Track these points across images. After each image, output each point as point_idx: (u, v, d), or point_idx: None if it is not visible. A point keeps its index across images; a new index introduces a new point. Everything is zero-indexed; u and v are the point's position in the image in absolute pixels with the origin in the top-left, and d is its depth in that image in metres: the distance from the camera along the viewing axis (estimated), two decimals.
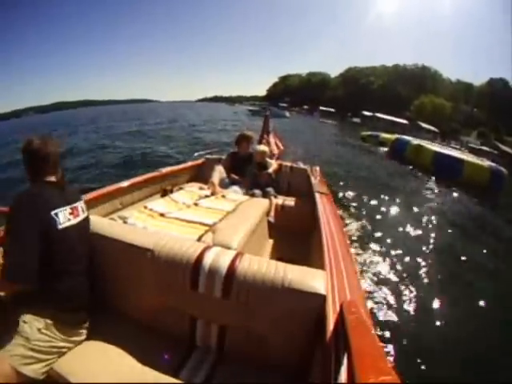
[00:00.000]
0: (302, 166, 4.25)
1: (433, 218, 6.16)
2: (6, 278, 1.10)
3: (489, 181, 10.97)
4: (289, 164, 4.20)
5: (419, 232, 5.32)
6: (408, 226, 5.47)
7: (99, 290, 1.49)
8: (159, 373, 1.19)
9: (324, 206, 2.45)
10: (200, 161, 4.44)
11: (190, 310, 1.36)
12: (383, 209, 6.31)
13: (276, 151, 4.81)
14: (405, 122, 47.33)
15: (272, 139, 5.06)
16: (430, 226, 5.78)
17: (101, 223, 1.57)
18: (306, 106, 71.89)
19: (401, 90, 65.47)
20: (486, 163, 11.98)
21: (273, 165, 3.68)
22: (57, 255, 1.24)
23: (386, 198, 7.01)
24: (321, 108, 64.43)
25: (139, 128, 20.52)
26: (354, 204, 6.18)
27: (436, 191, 9.08)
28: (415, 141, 14.82)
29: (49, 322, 1.22)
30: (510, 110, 48.08)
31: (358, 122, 50.30)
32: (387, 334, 2.57)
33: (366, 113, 52.37)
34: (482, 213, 7.70)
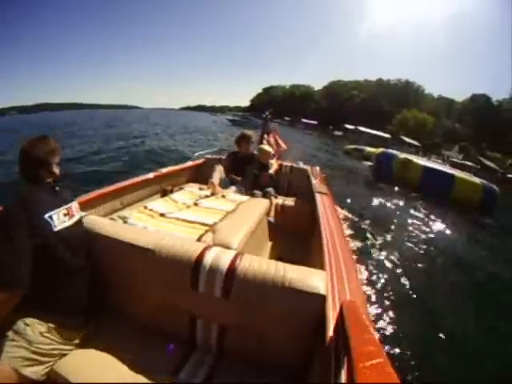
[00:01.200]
0: (302, 166, 4.29)
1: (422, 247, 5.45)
2: None
3: (480, 200, 10.23)
4: (289, 164, 4.22)
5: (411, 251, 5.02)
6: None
7: (99, 289, 1.49)
8: (159, 372, 1.20)
9: (324, 206, 2.47)
10: (200, 161, 4.44)
11: (190, 309, 1.36)
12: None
13: (274, 151, 4.70)
14: (387, 135, 48.47)
15: (272, 139, 5.08)
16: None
17: (101, 223, 1.57)
18: (287, 118, 72.40)
19: (384, 105, 66.82)
20: (478, 180, 11.16)
21: (273, 165, 3.67)
22: (55, 258, 1.25)
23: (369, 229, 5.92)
24: (303, 120, 65.18)
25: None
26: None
27: (423, 212, 8.11)
28: (402, 154, 13.86)
29: (51, 325, 1.23)
30: (492, 125, 49.71)
31: (339, 135, 51.01)
32: (387, 334, 2.61)
33: (349, 126, 52.90)
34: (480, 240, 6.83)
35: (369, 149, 20.17)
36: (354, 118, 58.74)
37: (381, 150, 16.72)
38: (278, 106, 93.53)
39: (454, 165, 32.31)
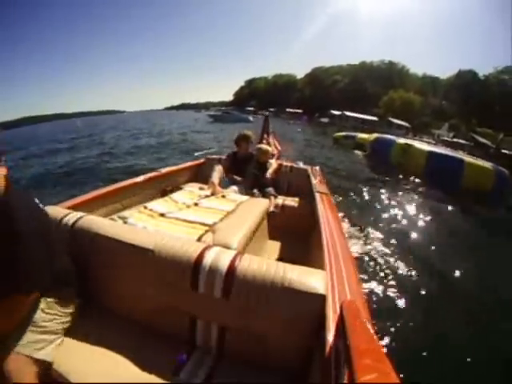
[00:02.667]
0: (302, 166, 4.34)
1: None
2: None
3: (492, 186, 9.06)
4: (289, 164, 4.24)
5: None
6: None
7: (99, 289, 1.55)
8: (159, 373, 1.21)
9: (324, 206, 2.49)
10: (200, 161, 4.46)
11: (190, 310, 1.37)
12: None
13: (275, 151, 4.79)
14: (375, 118, 48.71)
15: (271, 140, 5.11)
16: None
17: (101, 223, 1.59)
18: (272, 109, 72.38)
19: (368, 87, 66.97)
20: (488, 164, 9.96)
21: (273, 165, 3.67)
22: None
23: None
24: (288, 110, 65.58)
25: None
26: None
27: (433, 204, 7.08)
28: (401, 140, 12.63)
29: (49, 300, 1.29)
30: (480, 100, 49.93)
31: (326, 122, 50.53)
32: (387, 333, 2.57)
33: (335, 112, 53.01)
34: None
35: (360, 135, 18.52)
36: (340, 103, 58.91)
37: (375, 135, 15.51)
38: (262, 97, 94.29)
39: (446, 143, 31.77)
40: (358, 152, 15.41)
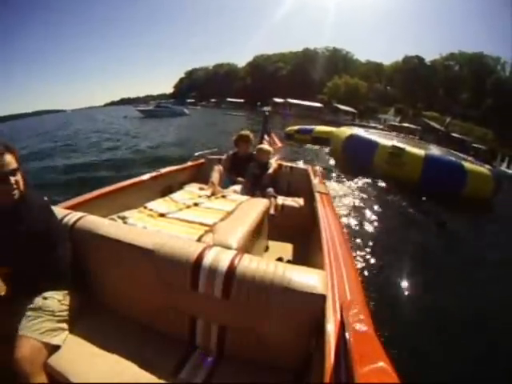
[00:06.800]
0: (302, 166, 4.42)
1: None
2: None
3: (492, 193, 8.44)
4: (289, 164, 4.30)
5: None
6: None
7: (100, 289, 1.60)
8: (159, 373, 1.24)
9: (324, 206, 2.54)
10: (200, 161, 4.44)
11: (190, 310, 1.41)
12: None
13: (279, 145, 4.94)
14: (320, 105, 49.52)
15: (273, 137, 5.12)
16: None
17: (101, 223, 1.63)
18: (213, 100, 72.81)
19: (312, 74, 67.12)
20: (487, 168, 9.16)
21: (273, 165, 3.68)
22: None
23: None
24: (228, 99, 64.80)
25: None
26: None
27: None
28: (386, 141, 10.11)
29: (65, 292, 1.45)
30: (426, 85, 53.07)
31: (269, 111, 47.61)
32: (387, 333, 2.58)
33: (277, 100, 52.23)
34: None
35: (318, 128, 16.44)
36: (284, 91, 57.88)
37: (344, 132, 12.33)
38: (202, 88, 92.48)
39: (394, 128, 30.74)
40: (316, 147, 13.97)
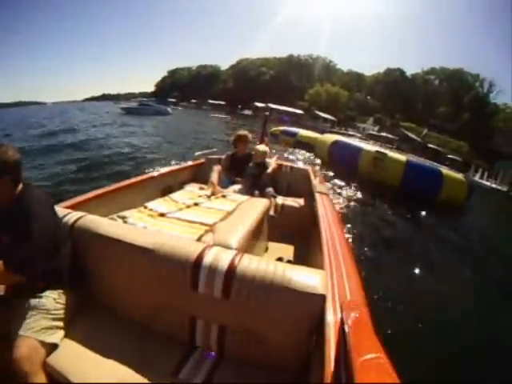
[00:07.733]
0: (302, 166, 4.55)
1: None
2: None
3: (465, 199, 9.24)
4: (289, 164, 4.35)
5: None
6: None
7: (99, 289, 1.60)
8: (158, 373, 1.25)
9: (324, 206, 2.57)
10: (200, 161, 4.46)
11: (190, 309, 1.40)
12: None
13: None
14: (300, 111, 50.71)
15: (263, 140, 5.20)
16: None
17: (101, 223, 1.63)
18: (194, 100, 72.41)
19: (294, 80, 68.12)
20: (461, 175, 9.95)
21: (272, 165, 3.70)
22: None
23: None
24: (210, 101, 65.97)
25: None
26: None
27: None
28: (370, 147, 11.01)
29: (60, 291, 1.45)
30: (405, 97, 55.01)
31: (249, 114, 50.68)
32: (387, 333, 2.64)
33: (259, 104, 52.26)
34: None
35: (302, 132, 16.77)
36: (265, 95, 58.74)
37: (330, 138, 13.06)
38: (185, 88, 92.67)
39: (372, 137, 31.35)
40: (301, 151, 13.80)
